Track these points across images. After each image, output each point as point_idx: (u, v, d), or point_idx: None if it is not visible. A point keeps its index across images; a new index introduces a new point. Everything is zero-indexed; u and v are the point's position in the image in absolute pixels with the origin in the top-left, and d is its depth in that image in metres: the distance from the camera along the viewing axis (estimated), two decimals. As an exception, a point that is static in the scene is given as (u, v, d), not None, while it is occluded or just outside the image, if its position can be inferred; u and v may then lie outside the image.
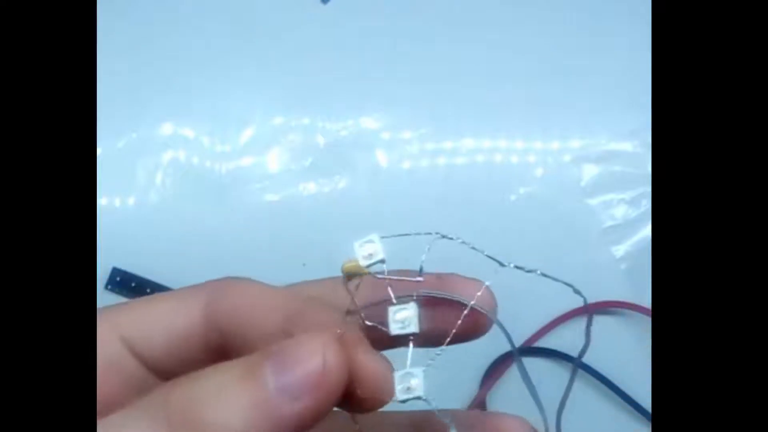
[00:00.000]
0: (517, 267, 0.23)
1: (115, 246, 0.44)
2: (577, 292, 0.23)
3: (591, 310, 0.43)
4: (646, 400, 0.42)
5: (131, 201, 0.46)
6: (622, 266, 0.45)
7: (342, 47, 0.49)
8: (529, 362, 0.42)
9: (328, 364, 0.19)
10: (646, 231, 0.45)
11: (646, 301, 0.43)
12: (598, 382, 0.42)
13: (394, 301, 0.21)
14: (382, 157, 0.47)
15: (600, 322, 0.44)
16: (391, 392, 0.20)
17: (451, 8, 0.50)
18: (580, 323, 0.43)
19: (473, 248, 0.22)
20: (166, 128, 0.48)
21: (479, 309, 0.22)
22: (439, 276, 0.22)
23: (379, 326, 0.21)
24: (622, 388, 0.42)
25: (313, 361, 0.19)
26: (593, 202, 0.46)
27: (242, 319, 0.22)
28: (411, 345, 0.21)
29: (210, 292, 0.23)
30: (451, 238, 0.22)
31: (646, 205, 0.46)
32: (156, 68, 0.49)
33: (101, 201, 0.46)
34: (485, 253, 0.22)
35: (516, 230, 0.46)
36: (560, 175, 0.47)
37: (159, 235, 0.46)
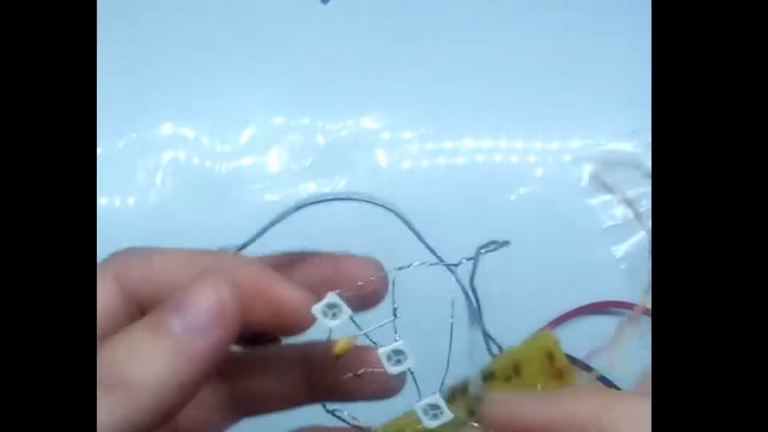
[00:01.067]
0: (469, 259, 0.23)
1: (115, 246, 0.44)
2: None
3: (591, 310, 0.43)
4: (646, 400, 0.42)
5: (131, 201, 0.46)
6: (622, 266, 0.45)
7: (342, 47, 0.49)
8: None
9: (223, 298, 0.21)
10: (645, 232, 0.45)
11: (646, 301, 0.43)
12: (597, 382, 0.42)
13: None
14: (382, 157, 0.47)
15: (600, 322, 0.44)
16: (309, 318, 0.23)
17: (452, 8, 0.50)
18: (580, 323, 0.43)
19: (429, 265, 0.23)
20: (166, 128, 0.48)
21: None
22: (334, 257, 0.25)
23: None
24: (622, 388, 0.42)
25: (210, 299, 0.21)
26: (593, 202, 0.46)
27: (157, 285, 0.24)
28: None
29: (115, 267, 0.24)
30: (410, 265, 0.23)
31: (646, 205, 0.46)
32: (156, 68, 0.49)
33: (101, 201, 0.46)
34: (440, 263, 0.23)
35: (516, 230, 0.46)
36: (560, 175, 0.47)
37: (159, 235, 0.46)
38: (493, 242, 0.23)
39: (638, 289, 0.44)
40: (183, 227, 0.46)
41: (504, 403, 0.22)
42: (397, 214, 0.23)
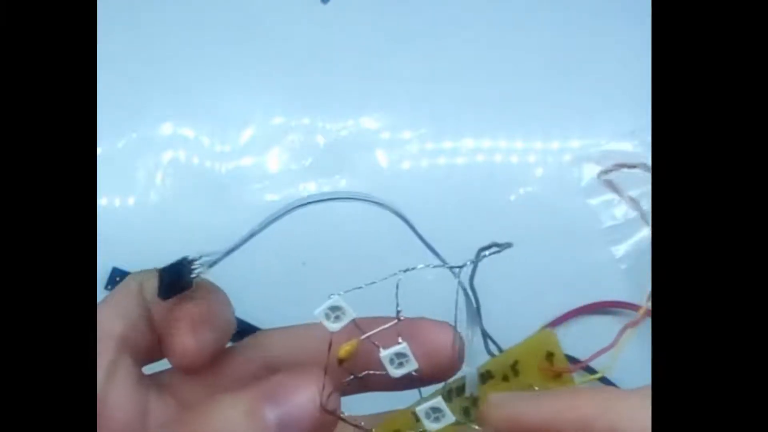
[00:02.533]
0: (473, 261, 0.23)
1: (115, 246, 0.44)
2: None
3: (591, 310, 0.43)
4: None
5: (131, 201, 0.46)
6: (622, 266, 0.45)
7: (342, 47, 0.49)
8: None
9: (322, 404, 0.21)
10: (646, 231, 0.45)
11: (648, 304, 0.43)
12: (597, 382, 0.42)
13: (382, 350, 0.21)
14: (382, 157, 0.47)
15: (600, 322, 0.43)
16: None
17: (451, 8, 0.50)
18: (580, 323, 0.43)
19: (433, 267, 0.23)
20: (166, 128, 0.48)
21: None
22: (411, 321, 0.23)
23: (373, 371, 0.22)
24: (622, 387, 0.42)
25: (311, 407, 0.21)
26: (593, 202, 0.46)
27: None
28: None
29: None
30: (414, 268, 0.22)
31: (646, 205, 0.46)
32: (156, 68, 0.49)
33: (101, 201, 0.46)
34: (444, 265, 0.23)
35: (516, 230, 0.46)
36: (560, 175, 0.47)
37: (159, 235, 0.46)
38: (495, 244, 0.23)
39: (638, 289, 0.44)
40: (183, 227, 0.46)
41: (504, 404, 0.22)
42: (400, 215, 0.23)
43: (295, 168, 0.47)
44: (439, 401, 0.21)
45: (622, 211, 0.46)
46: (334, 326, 0.21)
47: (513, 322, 0.45)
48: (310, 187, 0.47)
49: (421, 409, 0.21)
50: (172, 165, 0.47)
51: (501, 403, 0.22)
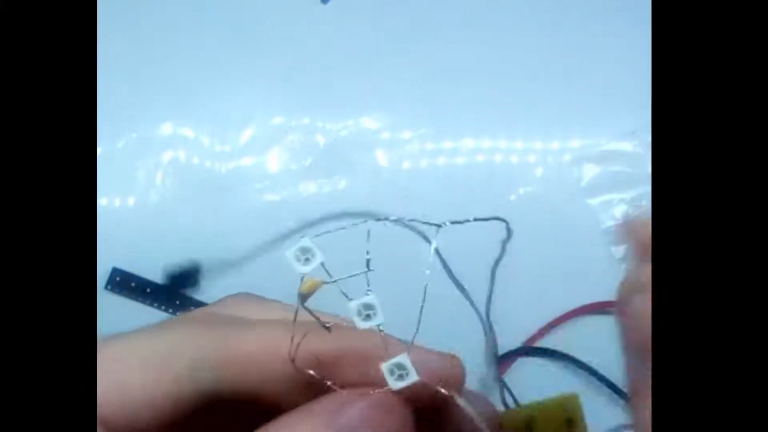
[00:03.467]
0: (453, 222, 0.22)
1: (115, 246, 0.44)
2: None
3: (591, 310, 0.43)
4: (646, 400, 0.42)
5: (131, 201, 0.46)
6: (622, 266, 0.45)
7: (342, 47, 0.49)
8: (529, 362, 0.42)
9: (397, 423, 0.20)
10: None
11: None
12: (598, 382, 0.42)
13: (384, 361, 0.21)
14: (382, 157, 0.47)
15: (600, 322, 0.44)
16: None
17: (451, 8, 0.50)
18: (580, 323, 0.43)
19: (406, 223, 0.22)
20: (166, 128, 0.48)
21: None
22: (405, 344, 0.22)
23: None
24: (622, 388, 0.42)
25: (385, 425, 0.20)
26: (593, 202, 0.46)
27: (244, 382, 0.22)
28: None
29: (193, 346, 0.22)
30: (386, 219, 0.22)
31: (646, 205, 0.46)
32: (156, 68, 0.49)
33: (101, 201, 0.46)
34: (421, 221, 0.22)
35: (516, 230, 0.45)
36: (560, 175, 0.47)
37: (159, 235, 0.46)
38: (488, 218, 0.23)
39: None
40: (183, 227, 0.46)
41: None
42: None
43: (295, 168, 0.47)
44: (403, 357, 0.21)
45: (622, 211, 0.46)
46: (304, 268, 0.21)
47: (513, 322, 0.45)
48: (310, 187, 0.47)
49: (386, 365, 0.21)
50: (172, 165, 0.47)
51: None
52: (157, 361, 0.22)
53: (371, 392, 0.21)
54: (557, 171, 0.47)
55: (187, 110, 0.48)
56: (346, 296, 0.21)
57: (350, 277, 0.21)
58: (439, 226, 0.22)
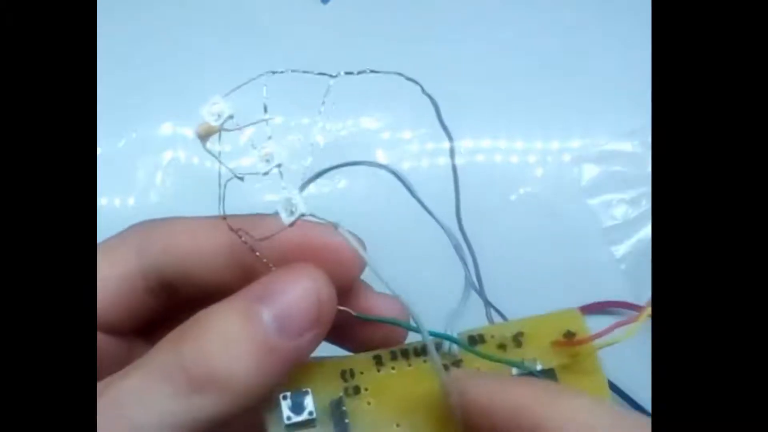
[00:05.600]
0: (347, 73, 0.23)
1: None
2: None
3: (591, 310, 0.43)
4: (646, 400, 0.42)
5: (131, 201, 0.46)
6: (622, 266, 0.45)
7: (342, 47, 0.49)
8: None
9: (322, 298, 0.20)
10: (646, 231, 0.45)
11: (646, 301, 0.43)
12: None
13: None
14: (382, 157, 0.47)
15: (600, 322, 0.43)
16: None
17: (451, 8, 0.50)
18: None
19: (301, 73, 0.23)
20: (166, 128, 0.48)
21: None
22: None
23: None
24: (622, 388, 0.42)
25: (309, 300, 0.20)
26: (593, 202, 0.46)
27: (181, 258, 0.23)
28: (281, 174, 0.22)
29: (139, 239, 0.23)
30: (281, 71, 0.22)
31: (646, 205, 0.46)
32: (156, 68, 0.49)
33: (101, 201, 0.46)
34: (314, 73, 0.22)
35: (516, 230, 0.46)
36: (560, 175, 0.47)
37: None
38: None
39: (638, 289, 0.44)
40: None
41: (459, 379, 0.21)
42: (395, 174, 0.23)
43: (295, 168, 0.47)
44: (293, 193, 0.21)
45: (622, 211, 0.46)
46: (216, 122, 0.21)
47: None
48: (310, 187, 0.47)
49: (279, 202, 0.21)
50: (172, 165, 0.47)
51: (457, 378, 0.21)
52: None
53: (297, 268, 0.21)
54: (557, 171, 0.47)
55: (187, 110, 0.48)
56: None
57: (252, 124, 0.21)
58: (333, 76, 0.23)
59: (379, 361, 0.23)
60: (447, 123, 0.46)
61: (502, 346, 0.24)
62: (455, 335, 0.23)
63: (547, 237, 0.45)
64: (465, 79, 0.49)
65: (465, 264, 0.24)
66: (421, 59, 0.49)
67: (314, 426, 0.22)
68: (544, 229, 0.46)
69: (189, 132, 0.48)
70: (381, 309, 0.24)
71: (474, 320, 0.24)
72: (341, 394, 0.22)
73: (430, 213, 0.23)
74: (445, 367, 0.23)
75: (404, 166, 0.47)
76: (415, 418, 0.22)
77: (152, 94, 0.48)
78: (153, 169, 0.47)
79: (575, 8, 0.50)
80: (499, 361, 0.23)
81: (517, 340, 0.24)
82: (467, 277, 0.24)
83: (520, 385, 0.20)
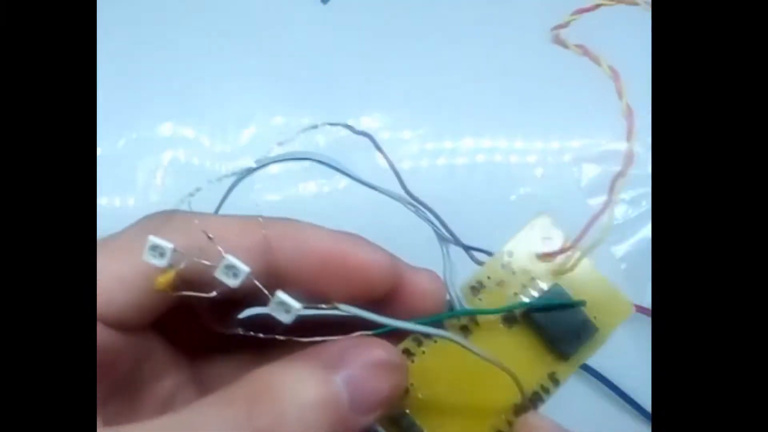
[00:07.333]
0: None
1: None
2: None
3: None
4: (646, 400, 0.42)
5: (131, 201, 0.46)
6: (622, 266, 0.45)
7: (342, 47, 0.49)
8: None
9: (397, 384, 0.21)
10: (646, 231, 0.45)
11: (646, 301, 0.43)
12: (598, 382, 0.42)
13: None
14: (382, 157, 0.47)
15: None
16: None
17: (451, 8, 0.50)
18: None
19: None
20: (166, 128, 0.48)
21: None
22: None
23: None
24: (622, 388, 0.42)
25: (385, 386, 0.20)
26: (593, 202, 0.46)
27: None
28: None
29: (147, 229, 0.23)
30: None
31: (646, 205, 0.46)
32: (156, 68, 0.49)
33: (101, 201, 0.46)
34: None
35: (516, 230, 0.45)
36: (560, 175, 0.47)
37: (159, 235, 0.46)
38: None
39: (638, 289, 0.44)
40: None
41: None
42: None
43: (295, 168, 0.47)
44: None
45: (622, 211, 0.46)
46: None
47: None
48: (310, 188, 0.47)
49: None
50: (172, 165, 0.47)
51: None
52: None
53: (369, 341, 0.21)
54: (557, 171, 0.47)
55: (187, 110, 0.48)
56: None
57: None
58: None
59: (408, 353, 0.24)
60: (447, 123, 0.46)
61: (501, 284, 0.25)
62: (459, 292, 0.24)
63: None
64: (465, 78, 0.49)
65: (431, 223, 0.24)
66: (421, 59, 0.49)
67: None
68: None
69: (189, 132, 0.48)
70: (425, 284, 0.24)
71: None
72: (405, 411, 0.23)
73: (374, 187, 0.24)
74: (465, 329, 0.24)
75: (404, 166, 0.47)
76: (464, 379, 0.23)
77: (152, 94, 0.48)
78: (153, 169, 0.47)
79: (575, 8, 0.50)
80: (509, 309, 0.24)
81: (509, 267, 0.25)
82: (437, 232, 0.24)
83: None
